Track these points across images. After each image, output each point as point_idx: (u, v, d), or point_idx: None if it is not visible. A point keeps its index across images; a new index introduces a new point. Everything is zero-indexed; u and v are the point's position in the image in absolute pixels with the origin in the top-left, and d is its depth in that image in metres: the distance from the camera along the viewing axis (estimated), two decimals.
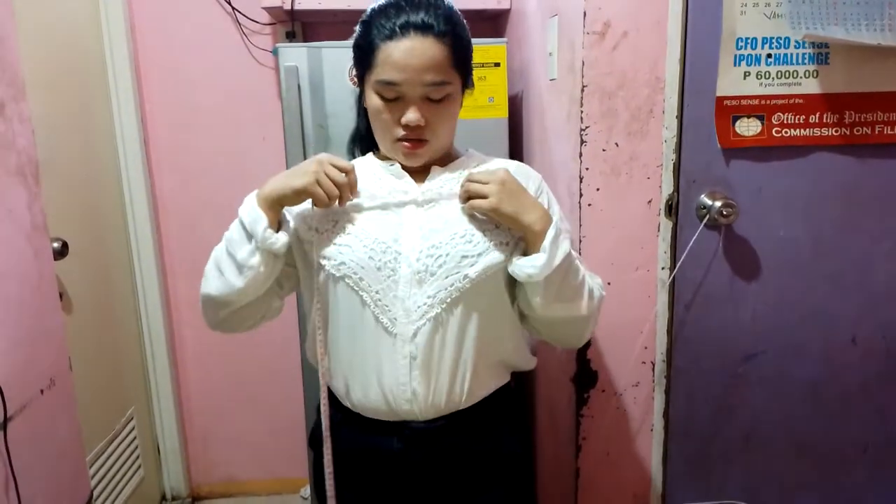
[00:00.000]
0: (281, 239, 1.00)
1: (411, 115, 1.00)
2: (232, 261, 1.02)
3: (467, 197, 1.01)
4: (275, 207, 1.00)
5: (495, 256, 1.01)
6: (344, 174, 0.99)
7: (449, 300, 1.00)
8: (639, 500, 1.56)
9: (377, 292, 1.01)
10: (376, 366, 1.02)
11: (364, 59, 1.03)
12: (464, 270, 1.00)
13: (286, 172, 1.02)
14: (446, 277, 1.00)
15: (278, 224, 1.03)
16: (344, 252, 1.01)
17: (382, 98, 1.01)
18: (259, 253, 1.00)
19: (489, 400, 1.09)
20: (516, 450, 1.15)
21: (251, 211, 1.00)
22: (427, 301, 1.00)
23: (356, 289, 1.01)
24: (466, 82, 1.07)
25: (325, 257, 1.03)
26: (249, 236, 1.00)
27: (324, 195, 0.98)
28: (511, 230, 1.03)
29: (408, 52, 0.97)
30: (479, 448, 1.10)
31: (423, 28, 0.98)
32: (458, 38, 1.01)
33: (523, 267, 0.98)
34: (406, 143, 1.03)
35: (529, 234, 0.98)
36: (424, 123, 1.01)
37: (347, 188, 1.00)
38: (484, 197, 0.98)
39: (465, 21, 1.05)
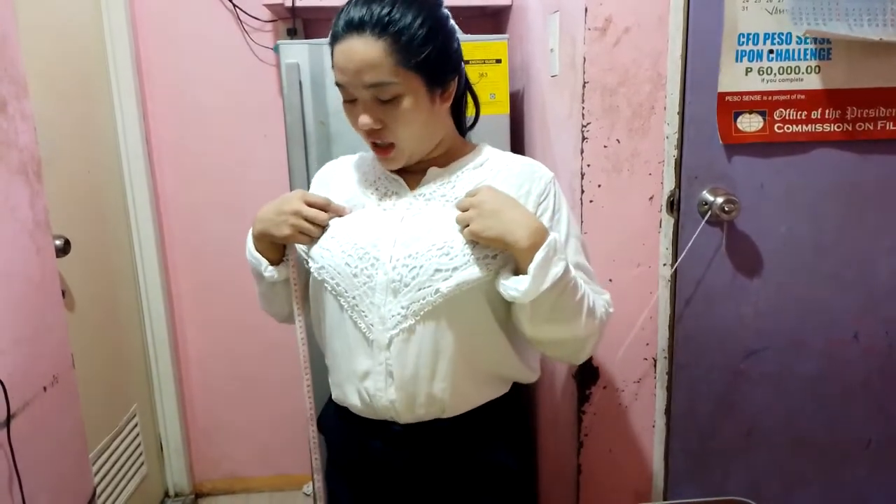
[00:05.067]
0: (282, 273, 1.07)
1: (362, 119, 0.97)
2: (260, 293, 1.16)
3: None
4: (265, 241, 1.06)
5: (473, 272, 0.95)
6: (323, 210, 1.03)
7: (422, 313, 0.97)
8: (640, 497, 1.56)
9: (353, 298, 1.00)
10: (356, 368, 1.02)
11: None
12: (436, 284, 0.95)
13: (270, 213, 1.04)
14: (419, 290, 0.96)
15: (283, 248, 1.09)
16: (325, 256, 1.01)
17: (344, 101, 1.00)
18: (273, 285, 1.11)
19: (480, 410, 1.06)
20: (511, 464, 1.10)
21: (252, 257, 1.08)
22: (401, 311, 0.97)
23: (334, 293, 1.02)
24: (436, 80, 0.98)
25: (310, 258, 1.04)
26: (260, 275, 1.09)
27: (307, 239, 1.04)
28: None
29: (344, 54, 0.94)
30: (467, 458, 1.07)
31: (358, 27, 0.92)
32: (400, 34, 0.93)
33: (507, 288, 0.93)
34: (375, 149, 1.02)
35: (516, 252, 0.91)
36: (379, 126, 0.97)
37: (328, 218, 1.04)
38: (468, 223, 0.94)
39: (435, 14, 0.97)
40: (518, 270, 0.94)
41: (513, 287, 0.91)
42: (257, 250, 1.07)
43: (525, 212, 0.95)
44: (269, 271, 1.05)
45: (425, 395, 1.00)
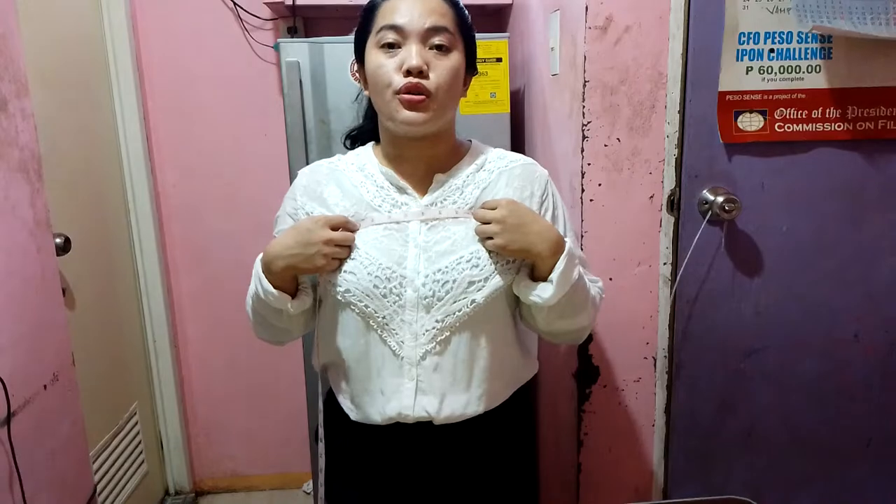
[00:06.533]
0: (305, 303, 1.04)
1: (412, 60, 0.95)
2: (275, 329, 1.10)
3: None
4: (288, 276, 1.01)
5: (500, 280, 1.00)
6: (348, 230, 1.00)
7: (457, 324, 0.99)
8: (640, 496, 1.56)
9: (383, 318, 0.99)
10: (385, 388, 1.01)
11: (365, 26, 1.01)
12: (471, 296, 0.99)
13: (294, 248, 0.98)
14: (454, 303, 0.98)
15: (296, 278, 1.04)
16: (349, 279, 0.99)
17: (383, 47, 0.98)
18: (291, 318, 1.06)
19: (498, 409, 1.08)
20: (520, 455, 1.15)
21: (272, 298, 1.00)
22: (435, 325, 0.99)
23: (361, 315, 1.00)
24: (470, 60, 1.04)
25: (329, 283, 1.02)
26: (279, 310, 1.04)
27: (337, 264, 1.00)
28: None
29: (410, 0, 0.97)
30: (483, 454, 1.09)
31: None
32: (458, 4, 1.02)
33: (528, 295, 0.99)
34: (406, 96, 0.96)
35: (539, 262, 0.98)
36: (426, 69, 0.96)
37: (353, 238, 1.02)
38: (491, 235, 0.97)
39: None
40: (533, 275, 1.01)
41: (535, 294, 0.99)
42: (275, 288, 1.00)
43: (543, 223, 1.00)
44: (294, 306, 1.01)
45: (463, 403, 1.02)
